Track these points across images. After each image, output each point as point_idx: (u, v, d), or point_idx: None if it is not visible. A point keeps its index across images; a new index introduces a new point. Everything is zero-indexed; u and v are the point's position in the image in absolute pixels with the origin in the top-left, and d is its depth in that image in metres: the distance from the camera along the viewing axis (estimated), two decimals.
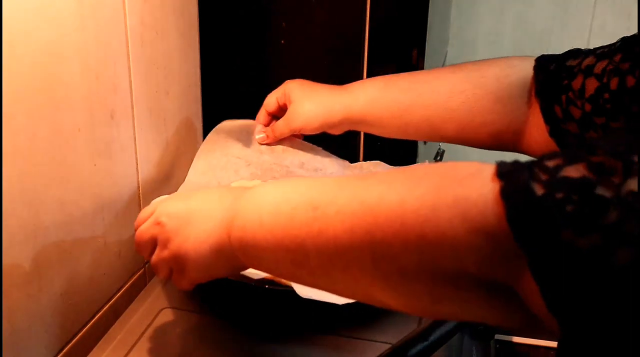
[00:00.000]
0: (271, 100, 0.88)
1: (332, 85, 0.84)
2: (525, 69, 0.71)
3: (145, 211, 0.63)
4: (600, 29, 1.62)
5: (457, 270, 0.38)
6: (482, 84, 0.73)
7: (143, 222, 0.62)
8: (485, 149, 0.75)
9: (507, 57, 0.74)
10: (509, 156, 0.41)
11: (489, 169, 0.37)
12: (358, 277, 0.44)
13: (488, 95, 0.73)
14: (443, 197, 0.38)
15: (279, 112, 0.89)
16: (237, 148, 0.91)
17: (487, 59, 0.75)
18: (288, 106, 0.86)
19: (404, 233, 0.39)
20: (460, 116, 0.73)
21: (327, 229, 0.44)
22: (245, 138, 0.92)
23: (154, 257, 0.61)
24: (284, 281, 0.66)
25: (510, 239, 0.34)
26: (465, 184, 0.38)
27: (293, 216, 0.47)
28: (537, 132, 0.69)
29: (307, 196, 0.47)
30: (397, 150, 0.97)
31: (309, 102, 0.84)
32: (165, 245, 0.59)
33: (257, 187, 0.54)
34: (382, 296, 0.44)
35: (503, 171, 0.36)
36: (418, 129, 0.76)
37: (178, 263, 0.58)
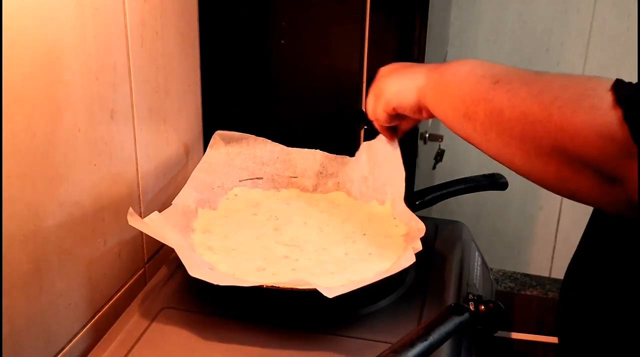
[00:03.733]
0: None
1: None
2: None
3: None
4: (600, 29, 1.63)
5: (583, 158, 0.52)
6: None
7: None
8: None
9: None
10: None
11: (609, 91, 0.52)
12: (507, 143, 0.58)
13: None
14: (583, 105, 0.52)
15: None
16: (239, 160, 0.91)
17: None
18: None
19: (548, 124, 0.54)
20: None
21: (497, 99, 0.59)
22: (246, 151, 0.92)
23: (369, 94, 0.79)
24: (281, 285, 0.66)
25: (630, 145, 0.49)
26: (602, 96, 0.51)
27: (479, 81, 0.62)
28: None
29: (495, 71, 0.62)
30: None
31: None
32: (377, 84, 0.77)
33: (459, 60, 0.69)
34: (519, 162, 0.59)
35: (623, 98, 0.50)
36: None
37: (379, 87, 0.76)
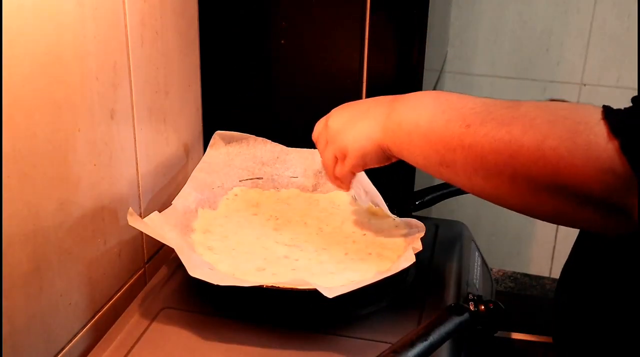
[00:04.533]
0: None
1: None
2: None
3: (319, 122, 0.76)
4: (600, 29, 1.62)
5: (585, 195, 0.49)
6: None
7: (317, 131, 0.76)
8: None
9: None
10: None
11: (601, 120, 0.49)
12: (496, 185, 0.55)
13: None
14: (578, 141, 0.49)
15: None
16: (239, 160, 0.91)
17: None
18: None
19: (543, 164, 0.50)
20: None
21: (476, 145, 0.54)
22: (246, 151, 0.92)
23: (324, 152, 0.74)
24: (281, 285, 0.66)
25: (631, 176, 0.46)
26: (595, 130, 0.48)
27: (447, 127, 0.57)
28: None
29: (461, 113, 0.57)
30: None
31: None
32: (332, 141, 0.72)
33: (413, 95, 0.64)
34: (512, 201, 0.55)
35: (617, 128, 0.48)
36: None
37: (341, 151, 0.70)
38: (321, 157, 0.76)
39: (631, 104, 0.52)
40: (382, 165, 0.70)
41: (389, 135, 0.64)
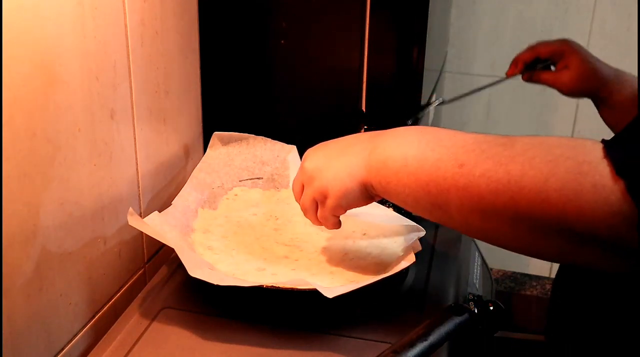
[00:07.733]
0: None
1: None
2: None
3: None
4: (600, 29, 1.62)
5: (590, 235, 0.47)
6: None
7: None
8: None
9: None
10: None
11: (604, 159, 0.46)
12: (495, 227, 0.51)
13: None
14: (585, 183, 0.46)
15: None
16: (238, 160, 0.91)
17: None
18: None
19: (547, 206, 0.47)
20: None
21: (472, 187, 0.51)
22: (246, 150, 0.92)
23: (301, 197, 0.68)
24: (281, 285, 0.66)
25: (638, 217, 0.44)
26: (601, 171, 0.46)
27: (438, 166, 0.53)
28: None
29: (452, 151, 0.53)
30: None
31: None
32: (309, 183, 0.66)
33: (395, 130, 0.60)
34: (512, 242, 0.52)
35: (622, 167, 0.45)
36: None
37: (321, 193, 0.65)
38: (299, 203, 0.70)
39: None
40: (365, 204, 0.65)
41: (372, 174, 0.60)
